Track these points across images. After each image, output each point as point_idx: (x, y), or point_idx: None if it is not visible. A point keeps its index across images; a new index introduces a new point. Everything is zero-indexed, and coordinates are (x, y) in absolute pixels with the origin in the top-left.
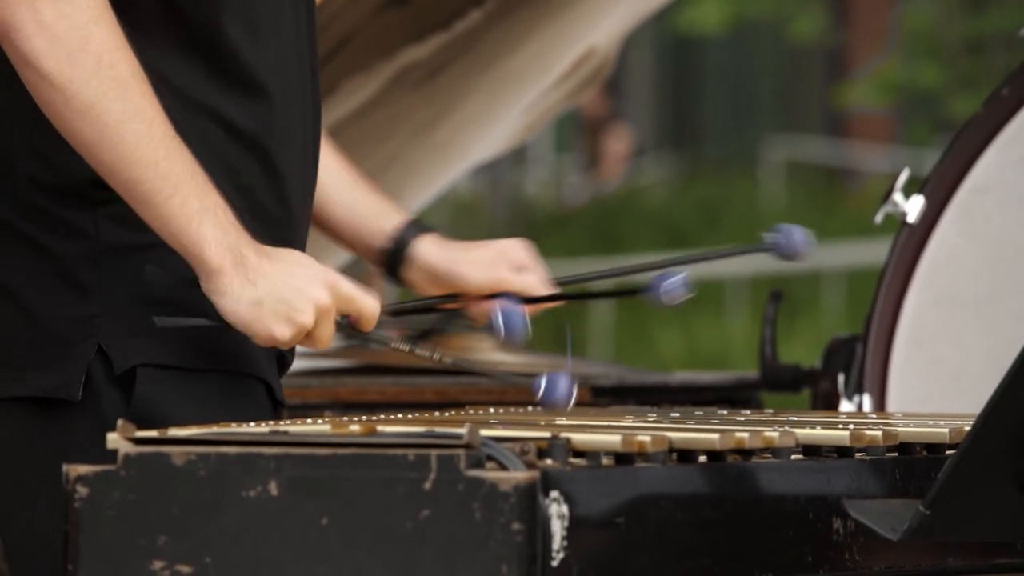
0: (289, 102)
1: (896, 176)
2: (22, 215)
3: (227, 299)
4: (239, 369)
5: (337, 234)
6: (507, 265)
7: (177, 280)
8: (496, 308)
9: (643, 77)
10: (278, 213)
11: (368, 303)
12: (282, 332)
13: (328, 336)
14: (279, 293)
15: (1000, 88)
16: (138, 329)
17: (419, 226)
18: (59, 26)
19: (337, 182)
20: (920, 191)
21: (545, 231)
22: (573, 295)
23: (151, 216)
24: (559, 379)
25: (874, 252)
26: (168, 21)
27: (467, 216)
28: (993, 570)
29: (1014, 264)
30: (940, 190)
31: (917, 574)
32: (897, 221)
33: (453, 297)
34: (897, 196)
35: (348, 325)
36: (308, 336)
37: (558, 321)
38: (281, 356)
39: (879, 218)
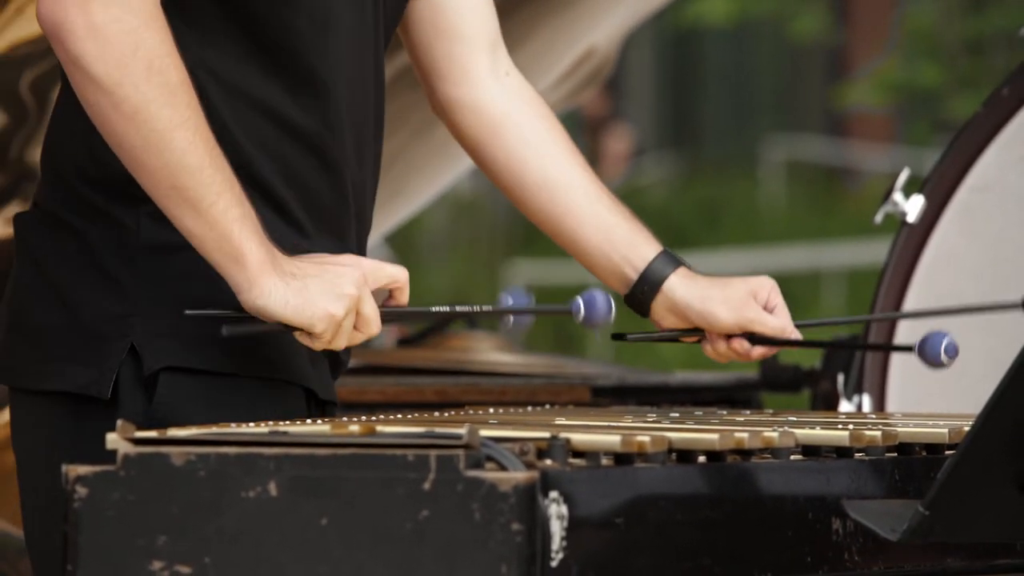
0: (350, 96)
1: (896, 176)
2: (70, 207)
3: (274, 297)
4: (274, 375)
5: (587, 257)
6: (757, 305)
7: (211, 289)
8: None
9: (643, 77)
10: (333, 203)
11: (395, 270)
12: (336, 307)
13: (375, 312)
14: (319, 276)
15: (1000, 88)
16: (169, 330)
17: (672, 259)
18: (110, 29)
19: (593, 204)
20: (920, 191)
21: None
22: (818, 343)
23: (193, 223)
24: (596, 297)
25: (874, 252)
26: (227, 16)
27: (467, 215)
28: (993, 571)
29: (1014, 263)
30: (940, 190)
31: (916, 575)
32: (897, 221)
33: (695, 331)
34: (897, 196)
35: (386, 304)
36: (358, 320)
37: (557, 321)
38: (335, 358)
39: (879, 218)
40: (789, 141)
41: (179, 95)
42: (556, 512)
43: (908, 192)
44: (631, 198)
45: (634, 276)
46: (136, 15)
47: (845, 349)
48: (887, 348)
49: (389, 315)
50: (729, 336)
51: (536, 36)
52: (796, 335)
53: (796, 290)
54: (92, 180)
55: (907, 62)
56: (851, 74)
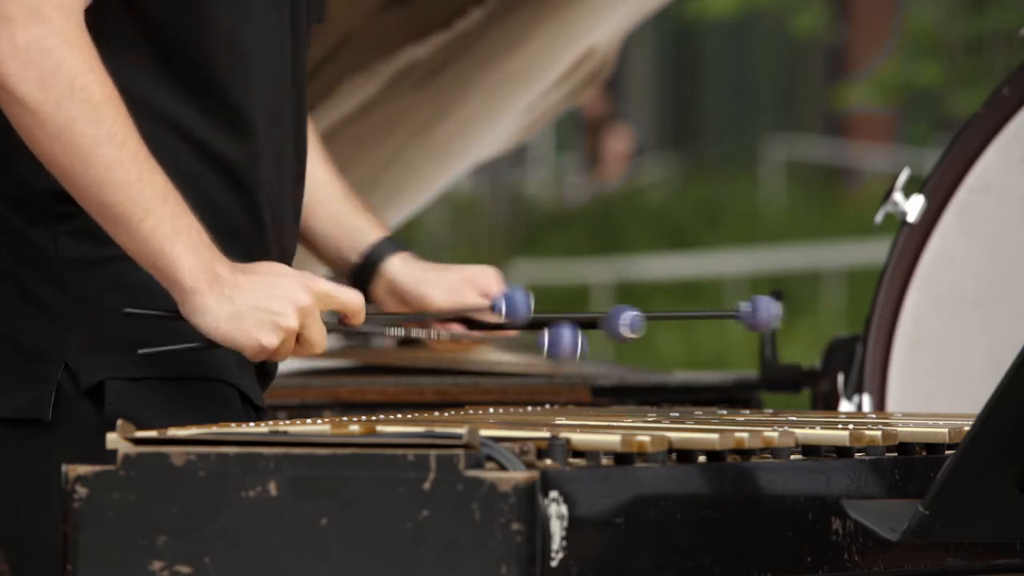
0: (269, 122)
1: (896, 176)
2: None
3: (207, 317)
4: (209, 375)
5: (316, 246)
6: (474, 291)
7: (138, 298)
8: (546, 331)
9: (643, 77)
10: (249, 231)
11: (350, 295)
12: (269, 339)
13: (320, 337)
14: (257, 302)
15: (1000, 88)
16: (103, 342)
17: (393, 244)
18: (32, 50)
19: (323, 194)
20: (920, 190)
21: (545, 230)
22: (531, 326)
23: (124, 239)
24: (562, 332)
25: (874, 252)
26: (145, 41)
27: (467, 215)
28: (992, 570)
29: (1014, 263)
30: (940, 189)
31: (916, 574)
32: (897, 220)
33: (418, 316)
34: (897, 196)
35: (339, 323)
36: (300, 341)
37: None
38: (261, 368)
39: (879, 218)
40: (789, 141)
41: (104, 111)
42: (556, 512)
43: (908, 192)
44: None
45: (355, 259)
46: (58, 34)
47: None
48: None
49: (340, 331)
50: (447, 322)
51: (536, 36)
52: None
53: (796, 290)
54: (11, 201)
55: (907, 61)
56: (851, 74)
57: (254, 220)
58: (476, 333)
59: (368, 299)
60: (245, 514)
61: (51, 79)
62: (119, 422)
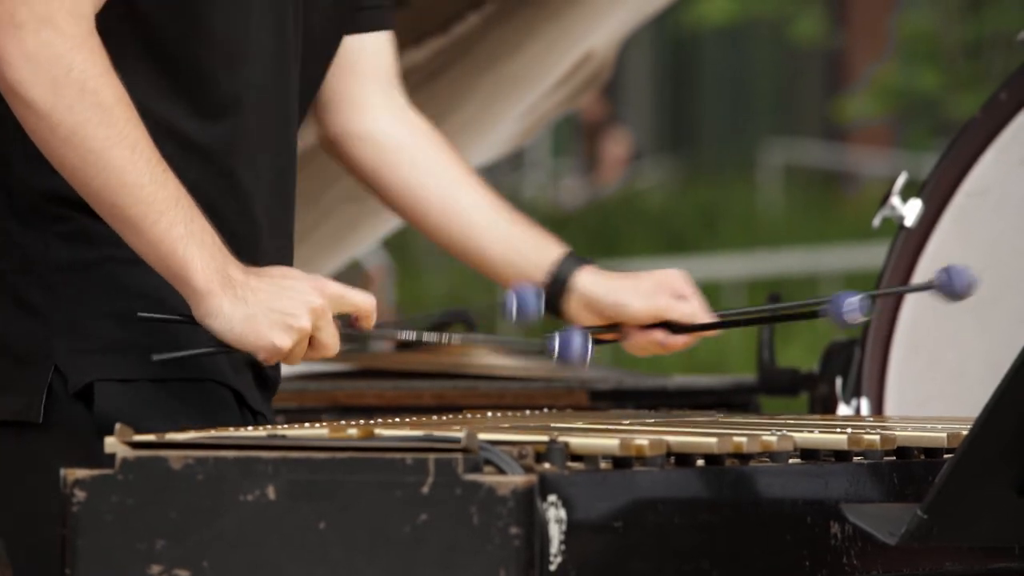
0: (260, 121)
1: (894, 180)
2: None
3: (220, 320)
4: (202, 376)
5: (493, 271)
6: (667, 294)
7: (130, 301)
8: (556, 335)
9: (641, 81)
10: (242, 230)
11: (361, 298)
12: (283, 340)
13: (333, 339)
14: (271, 304)
15: (998, 92)
16: (93, 346)
17: (576, 258)
18: (42, 54)
19: (490, 219)
20: (918, 195)
21: None
22: (732, 323)
23: (137, 242)
24: (572, 336)
25: (872, 256)
26: (137, 40)
27: None
28: (991, 574)
29: (1012, 267)
30: (938, 193)
31: None
32: (895, 225)
33: (613, 327)
34: (895, 200)
35: (350, 326)
36: (313, 344)
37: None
38: (261, 372)
39: (877, 222)
40: (787, 145)
41: (115, 113)
42: (554, 516)
43: (906, 196)
44: (629, 201)
45: (541, 278)
46: (67, 38)
47: (758, 324)
48: (797, 317)
49: (352, 336)
50: (647, 329)
51: (534, 40)
52: (712, 319)
53: (794, 294)
54: (3, 203)
55: (905, 66)
56: (849, 79)
57: (249, 223)
58: (681, 337)
59: (559, 315)
60: (243, 518)
61: (62, 83)
62: (117, 426)
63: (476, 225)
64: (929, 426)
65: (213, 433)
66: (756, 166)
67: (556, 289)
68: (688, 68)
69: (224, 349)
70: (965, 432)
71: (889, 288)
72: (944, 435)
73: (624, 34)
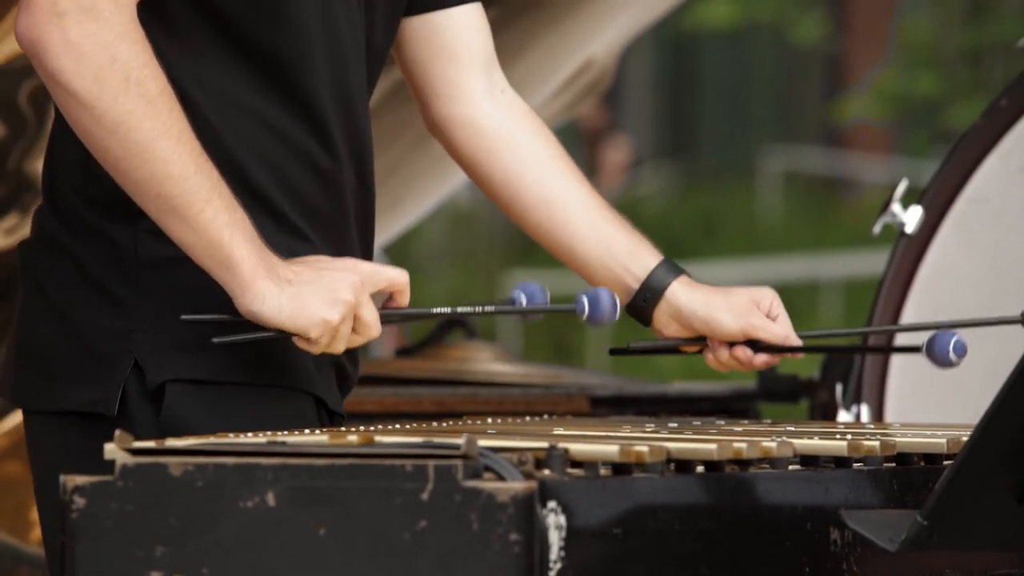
0: (343, 110)
1: (894, 187)
2: (67, 229)
3: (269, 303)
4: (282, 383)
5: (587, 269)
6: (759, 313)
7: (212, 300)
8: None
9: (641, 88)
10: (331, 212)
11: (395, 273)
12: (332, 314)
13: (374, 317)
14: (315, 282)
15: (999, 99)
16: (173, 343)
17: (672, 267)
18: (86, 44)
19: (591, 218)
20: (918, 202)
21: None
22: (818, 348)
23: (181, 231)
24: (600, 295)
25: (872, 263)
26: (214, 28)
27: (465, 226)
28: None
29: (1013, 274)
30: (939, 200)
31: None
32: (895, 232)
33: (697, 340)
34: (895, 207)
35: (385, 306)
36: (356, 324)
37: (557, 332)
38: (343, 373)
39: (877, 229)
40: (787, 152)
41: (159, 104)
42: (554, 522)
43: (906, 203)
44: (629, 209)
45: (635, 285)
46: (111, 28)
47: (850, 353)
48: (894, 350)
49: (389, 317)
50: (731, 344)
51: (535, 47)
52: (798, 343)
53: (794, 301)
54: (88, 197)
55: (905, 72)
56: (849, 86)
57: (337, 206)
58: (762, 356)
59: (647, 323)
60: (243, 524)
61: (106, 74)
62: (117, 432)
63: (575, 223)
64: (929, 433)
65: (212, 439)
66: (756, 173)
67: (648, 298)
68: (688, 75)
69: (282, 334)
70: (965, 439)
71: (974, 320)
72: (944, 441)
73: (624, 41)
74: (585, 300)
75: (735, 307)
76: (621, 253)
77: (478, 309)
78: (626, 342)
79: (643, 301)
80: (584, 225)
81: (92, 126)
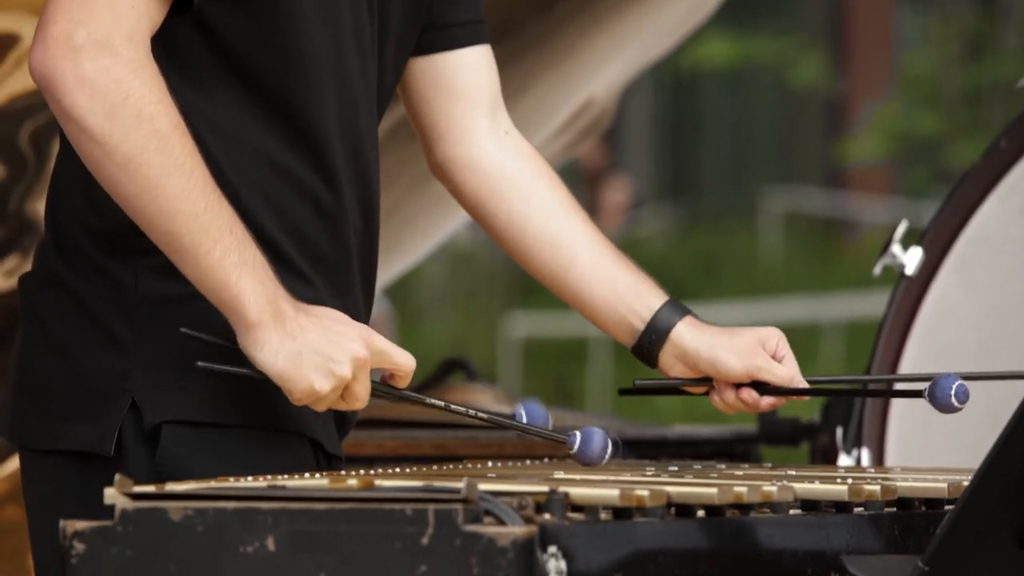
0: (349, 151)
1: (894, 227)
2: (69, 265)
3: (265, 352)
4: (279, 426)
5: (592, 310)
6: (765, 354)
7: (214, 333)
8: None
9: (641, 128)
10: (334, 254)
11: (404, 357)
12: (322, 384)
13: (365, 392)
14: (318, 346)
15: (998, 139)
16: (171, 383)
17: (677, 307)
18: (99, 80)
19: (596, 258)
20: (919, 243)
21: None
22: (824, 391)
23: (191, 269)
24: (593, 434)
25: (873, 304)
26: (222, 66)
27: (466, 267)
28: None
29: (1013, 315)
30: (939, 241)
31: None
32: (896, 273)
33: (703, 381)
34: (895, 248)
35: (382, 383)
36: (345, 393)
37: (558, 374)
38: (340, 414)
39: (878, 270)
40: (787, 193)
41: (171, 141)
42: (555, 567)
43: (906, 244)
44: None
45: (640, 326)
46: (125, 64)
47: (853, 396)
48: (896, 394)
49: (381, 395)
50: (737, 386)
51: (535, 87)
52: (804, 385)
53: (795, 342)
54: (92, 234)
55: (905, 111)
56: (850, 125)
57: (340, 248)
58: (768, 398)
59: (652, 365)
60: (243, 569)
61: (119, 109)
62: (116, 476)
63: (581, 264)
64: (930, 477)
65: (213, 484)
66: (756, 213)
67: (654, 339)
68: (688, 115)
69: (262, 376)
70: (966, 483)
71: (985, 373)
72: (945, 486)
73: (624, 81)
74: (578, 435)
75: (740, 348)
76: (626, 294)
77: (471, 412)
78: (631, 382)
79: (648, 342)
80: (589, 266)
81: (103, 161)
